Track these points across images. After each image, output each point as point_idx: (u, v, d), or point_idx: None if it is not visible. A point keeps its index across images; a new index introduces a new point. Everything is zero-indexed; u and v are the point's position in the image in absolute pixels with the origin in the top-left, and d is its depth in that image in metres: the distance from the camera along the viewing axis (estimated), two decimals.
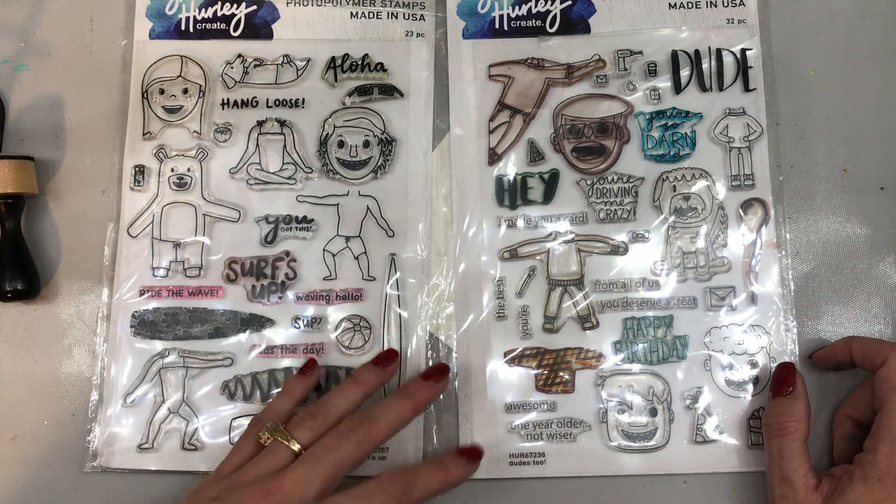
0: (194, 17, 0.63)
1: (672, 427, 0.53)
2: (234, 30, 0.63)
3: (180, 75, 0.63)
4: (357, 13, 0.63)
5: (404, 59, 0.62)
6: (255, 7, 0.63)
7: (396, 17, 0.62)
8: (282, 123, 0.61)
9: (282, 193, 0.59)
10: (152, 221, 0.61)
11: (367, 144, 0.61)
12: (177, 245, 0.61)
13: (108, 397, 0.57)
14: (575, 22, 0.57)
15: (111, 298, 0.58)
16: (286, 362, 0.57)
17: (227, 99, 0.62)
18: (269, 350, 0.57)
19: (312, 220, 0.58)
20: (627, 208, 0.55)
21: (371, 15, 0.63)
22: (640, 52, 0.56)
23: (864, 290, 0.56)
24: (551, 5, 0.57)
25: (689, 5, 0.57)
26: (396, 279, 0.58)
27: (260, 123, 0.61)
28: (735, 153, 0.55)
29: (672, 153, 0.55)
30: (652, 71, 0.56)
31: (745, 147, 0.55)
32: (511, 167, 0.57)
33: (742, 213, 0.55)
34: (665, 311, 0.55)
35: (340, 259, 0.58)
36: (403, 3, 0.63)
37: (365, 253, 0.58)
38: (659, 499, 0.53)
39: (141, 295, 0.60)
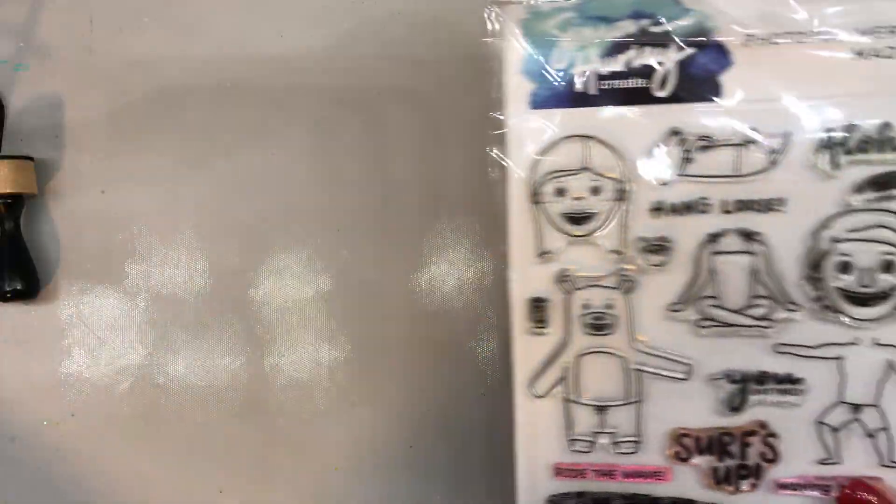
0: (596, 72, 0.43)
1: None
2: (659, 88, 0.42)
3: (585, 166, 0.44)
4: (869, 50, 0.41)
5: None
6: (692, 50, 0.42)
7: None
8: (748, 237, 0.44)
9: (750, 341, 0.45)
10: (563, 377, 0.46)
11: (888, 267, 0.43)
12: (600, 409, 0.46)
13: None
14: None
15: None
16: None
17: (660, 201, 0.44)
18: None
19: (800, 379, 0.45)
20: None
21: (892, 53, 0.41)
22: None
23: None
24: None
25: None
26: None
27: (713, 238, 0.44)
28: None
29: None
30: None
31: None
32: None
33: None
34: None
35: (846, 436, 0.45)
36: None
37: (885, 429, 0.45)
38: None
39: (556, 475, 0.47)
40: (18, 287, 0.57)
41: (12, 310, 0.60)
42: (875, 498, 0.43)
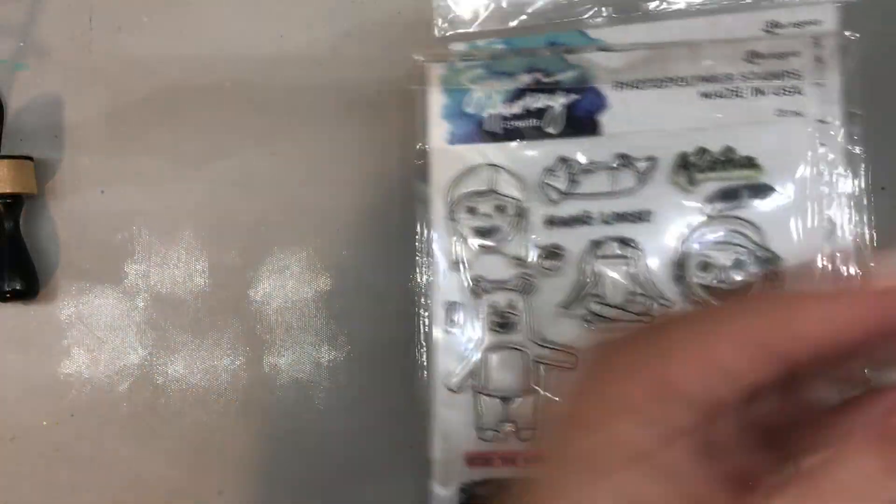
0: (500, 114, 0.53)
1: None
2: (550, 126, 0.52)
3: (492, 189, 0.53)
4: (710, 92, 0.51)
5: (779, 148, 0.50)
6: (576, 96, 0.52)
7: (763, 94, 0.50)
8: (624, 244, 0.51)
9: None
10: (474, 371, 0.53)
11: (740, 266, 0.50)
12: (505, 400, 0.52)
13: None
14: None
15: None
16: None
17: (552, 216, 0.52)
18: None
19: None
20: None
21: (730, 93, 0.51)
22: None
23: None
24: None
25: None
26: None
27: (596, 245, 0.52)
28: None
29: None
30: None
31: None
32: None
33: None
34: None
35: None
36: (772, 73, 0.50)
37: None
38: None
39: (468, 464, 0.52)
40: (18, 287, 0.57)
41: (12, 310, 0.59)
42: None
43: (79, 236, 0.59)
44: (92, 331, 0.60)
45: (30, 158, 0.58)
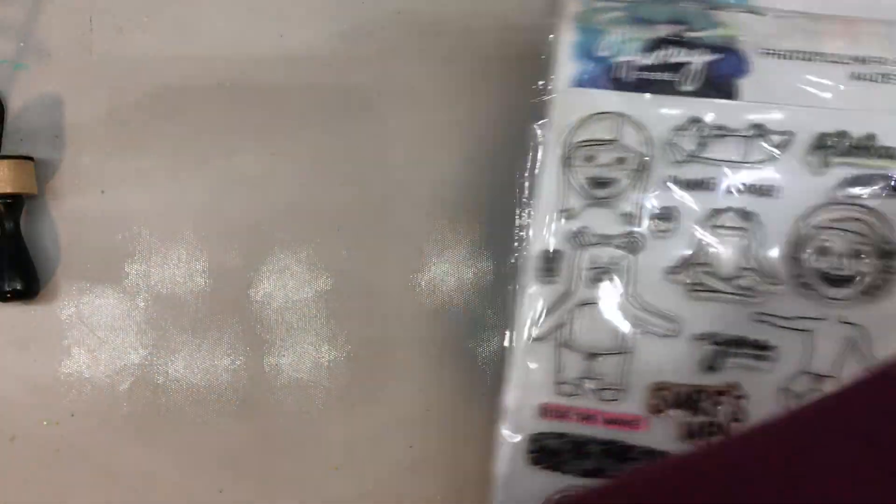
0: (635, 62, 0.50)
1: None
2: (686, 83, 0.50)
3: (615, 139, 0.50)
4: (860, 74, 0.48)
5: None
6: (718, 56, 0.50)
7: None
8: (745, 216, 0.49)
9: (733, 308, 0.49)
10: (561, 324, 0.51)
11: (858, 255, 0.48)
12: (590, 357, 0.50)
13: None
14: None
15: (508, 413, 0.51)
16: None
17: (674, 176, 0.50)
18: None
19: (773, 346, 0.49)
20: None
21: (881, 78, 0.48)
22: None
23: None
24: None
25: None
26: None
27: (715, 213, 0.50)
28: None
29: None
30: None
31: None
32: None
33: None
34: None
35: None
36: None
37: None
38: None
39: (542, 415, 0.51)
40: (18, 287, 0.57)
41: (12, 310, 0.59)
42: None
43: (79, 236, 0.60)
44: (92, 331, 0.59)
45: (30, 158, 0.58)
